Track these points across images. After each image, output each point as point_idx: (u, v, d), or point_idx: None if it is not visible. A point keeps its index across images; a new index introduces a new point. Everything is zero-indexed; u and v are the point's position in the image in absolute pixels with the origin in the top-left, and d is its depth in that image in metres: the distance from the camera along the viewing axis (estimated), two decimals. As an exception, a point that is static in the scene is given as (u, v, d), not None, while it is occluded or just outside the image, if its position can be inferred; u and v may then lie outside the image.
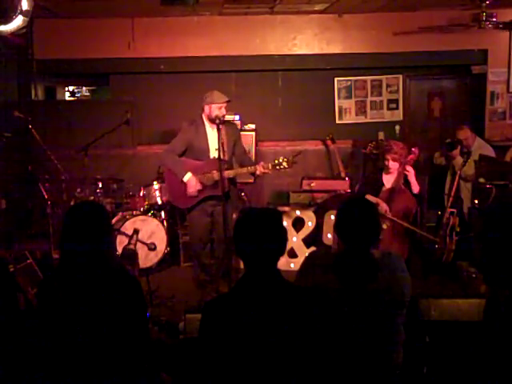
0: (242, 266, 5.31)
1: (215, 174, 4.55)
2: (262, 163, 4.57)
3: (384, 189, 4.72)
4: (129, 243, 3.63)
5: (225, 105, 4.64)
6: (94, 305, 2.28)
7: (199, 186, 4.62)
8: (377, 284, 2.42)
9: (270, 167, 4.50)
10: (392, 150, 4.64)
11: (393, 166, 4.66)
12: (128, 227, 5.19)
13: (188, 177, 4.62)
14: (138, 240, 3.71)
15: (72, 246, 2.35)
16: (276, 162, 4.50)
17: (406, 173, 4.63)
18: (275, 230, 2.18)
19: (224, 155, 4.46)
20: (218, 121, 4.49)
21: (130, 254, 3.40)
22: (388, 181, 4.74)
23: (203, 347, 2.15)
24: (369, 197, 4.68)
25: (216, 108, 4.60)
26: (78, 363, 2.28)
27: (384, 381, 2.45)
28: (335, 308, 2.31)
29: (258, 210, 2.33)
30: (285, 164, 4.47)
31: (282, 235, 2.20)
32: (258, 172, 4.55)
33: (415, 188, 4.65)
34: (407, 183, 4.68)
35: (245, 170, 4.62)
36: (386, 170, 4.73)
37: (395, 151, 4.63)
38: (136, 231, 3.68)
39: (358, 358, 2.40)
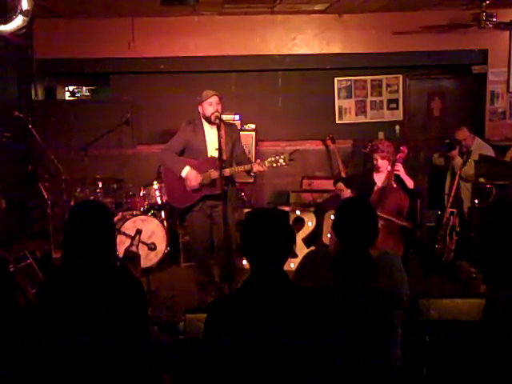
0: (241, 266, 5.36)
1: (212, 173, 4.54)
2: (258, 161, 4.54)
3: (376, 188, 4.77)
4: (131, 244, 3.59)
5: (215, 100, 4.57)
6: (95, 305, 2.28)
7: (200, 178, 4.58)
8: (375, 284, 2.42)
9: (267, 164, 4.48)
10: (379, 150, 4.73)
11: (382, 164, 4.75)
12: (128, 227, 5.19)
13: (186, 171, 4.58)
14: (140, 241, 3.68)
15: (74, 245, 2.35)
16: (272, 159, 4.47)
17: (396, 172, 4.68)
18: (283, 230, 2.17)
19: (222, 154, 4.44)
20: (217, 120, 4.47)
21: (133, 257, 3.37)
22: (379, 179, 4.80)
23: (207, 347, 2.14)
24: (340, 185, 4.83)
25: (207, 105, 4.57)
26: (78, 363, 2.28)
27: (381, 381, 2.45)
28: (336, 309, 2.31)
29: (265, 211, 2.33)
30: (281, 161, 4.42)
31: (290, 236, 2.20)
32: (254, 170, 4.50)
33: (409, 183, 4.71)
34: (401, 181, 4.73)
35: (241, 168, 4.58)
36: (377, 169, 4.81)
37: (382, 150, 4.72)
38: (139, 232, 3.65)
39: (355, 358, 2.40)
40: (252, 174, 4.61)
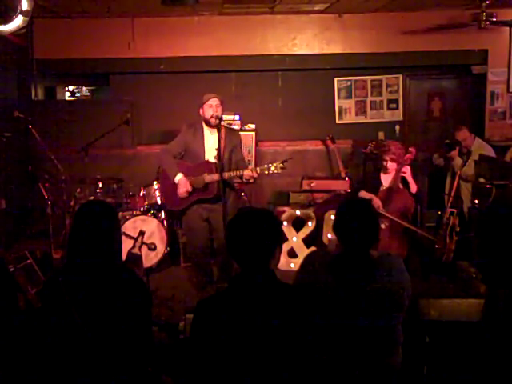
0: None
1: (206, 177, 4.56)
2: (250, 167, 4.59)
3: (382, 188, 4.76)
4: (133, 246, 3.59)
5: (216, 102, 4.58)
6: (98, 305, 2.28)
7: (189, 188, 4.61)
8: (375, 285, 2.42)
9: (259, 171, 4.50)
10: (390, 151, 4.70)
11: (391, 166, 4.73)
12: (128, 227, 5.19)
13: (179, 177, 4.63)
14: (143, 243, 3.67)
15: (81, 245, 2.35)
16: (265, 166, 4.50)
17: (403, 174, 4.66)
18: (266, 230, 2.17)
19: (221, 156, 4.44)
20: (217, 121, 4.47)
21: (135, 258, 3.37)
22: (386, 180, 4.78)
23: (194, 346, 2.15)
24: (363, 193, 4.73)
25: (207, 107, 4.58)
26: (81, 363, 2.27)
27: (382, 382, 2.45)
28: (331, 308, 2.30)
29: (250, 211, 2.34)
30: (273, 169, 4.46)
31: (274, 236, 2.19)
32: (245, 176, 4.52)
33: (413, 187, 4.70)
34: (405, 183, 4.71)
35: (232, 173, 4.57)
36: (385, 170, 4.78)
37: (393, 152, 4.69)
38: (142, 233, 3.64)
39: (356, 359, 2.40)
40: (245, 179, 4.63)
